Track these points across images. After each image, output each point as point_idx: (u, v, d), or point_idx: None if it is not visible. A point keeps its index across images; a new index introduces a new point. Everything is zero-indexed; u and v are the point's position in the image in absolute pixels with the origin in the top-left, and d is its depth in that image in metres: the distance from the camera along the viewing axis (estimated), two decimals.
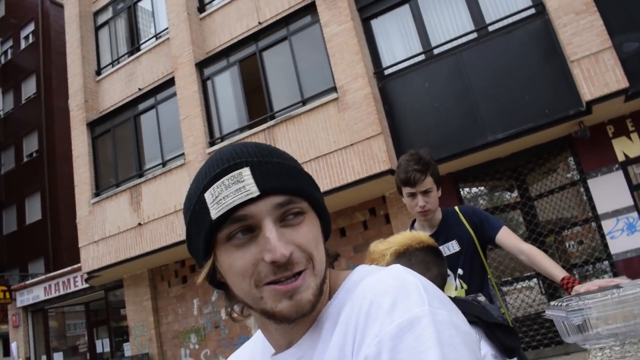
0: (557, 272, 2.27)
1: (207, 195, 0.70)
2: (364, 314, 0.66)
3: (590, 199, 7.87)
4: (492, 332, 1.57)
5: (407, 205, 2.60)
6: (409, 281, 0.67)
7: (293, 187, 0.71)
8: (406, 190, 2.54)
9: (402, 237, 1.80)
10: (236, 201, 0.68)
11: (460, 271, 2.56)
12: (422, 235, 1.82)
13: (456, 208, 2.69)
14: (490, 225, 2.57)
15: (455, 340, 0.61)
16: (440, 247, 2.54)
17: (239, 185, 0.69)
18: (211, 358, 11.32)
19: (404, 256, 1.73)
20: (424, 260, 1.76)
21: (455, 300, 1.76)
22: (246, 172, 0.70)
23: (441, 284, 1.78)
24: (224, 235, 0.70)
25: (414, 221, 2.77)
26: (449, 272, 2.49)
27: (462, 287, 2.55)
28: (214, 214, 0.69)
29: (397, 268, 0.72)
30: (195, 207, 0.72)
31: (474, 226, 2.59)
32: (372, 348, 0.62)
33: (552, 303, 1.79)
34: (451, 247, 2.60)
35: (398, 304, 0.64)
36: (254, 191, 0.68)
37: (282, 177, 0.71)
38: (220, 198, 0.69)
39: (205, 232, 0.71)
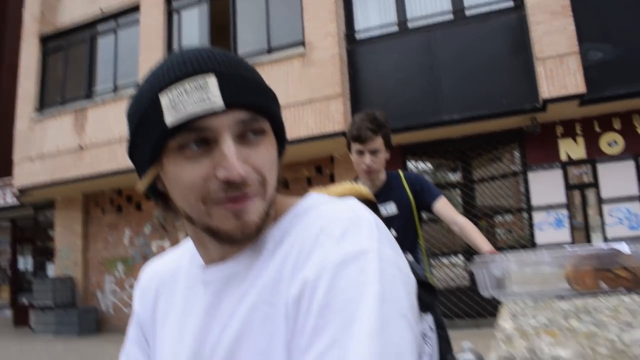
0: (485, 246, 2.38)
1: (163, 98, 0.64)
2: (312, 238, 0.65)
3: (527, 190, 8.24)
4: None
5: (354, 162, 2.59)
6: (364, 216, 0.67)
7: (258, 104, 0.67)
8: (355, 146, 2.53)
9: (342, 188, 1.79)
10: (197, 111, 0.63)
11: (393, 232, 2.57)
12: (362, 188, 1.84)
13: (400, 172, 2.73)
14: (430, 194, 2.63)
15: (396, 279, 0.61)
16: (382, 207, 2.61)
17: (203, 95, 0.63)
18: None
19: None
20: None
21: None
22: (212, 81, 0.64)
23: None
24: (175, 144, 0.65)
25: (356, 178, 2.78)
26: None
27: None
28: (170, 120, 0.63)
29: (355, 201, 0.72)
30: (146, 109, 0.66)
31: (414, 192, 2.64)
32: (313, 271, 0.62)
33: (476, 259, 1.86)
34: (389, 209, 2.64)
35: (349, 234, 0.64)
36: (219, 103, 0.63)
37: (249, 92, 0.67)
38: (179, 103, 0.63)
39: (155, 138, 0.65)
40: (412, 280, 0.66)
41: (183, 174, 0.66)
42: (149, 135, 0.66)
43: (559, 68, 7.40)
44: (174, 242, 10.74)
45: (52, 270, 12.64)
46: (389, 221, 2.59)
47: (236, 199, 0.66)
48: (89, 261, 11.97)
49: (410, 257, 2.26)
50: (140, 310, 0.89)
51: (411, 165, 9.10)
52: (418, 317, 0.73)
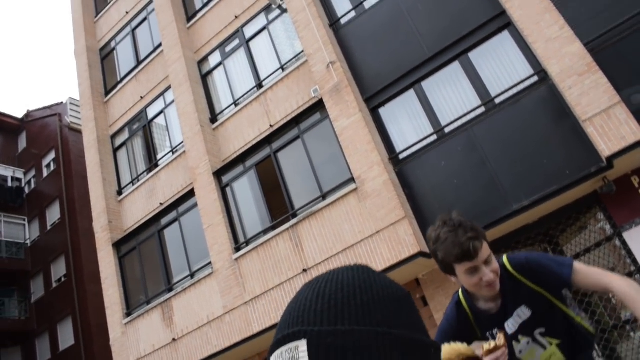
0: None
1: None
2: None
3: (629, 252, 7.66)
4: None
5: (466, 284, 2.09)
6: None
7: None
8: (465, 266, 2.02)
9: (443, 352, 1.74)
10: None
11: (540, 330, 2.23)
12: (461, 347, 1.76)
13: (506, 263, 2.17)
14: (555, 272, 2.12)
15: None
16: (513, 318, 2.22)
17: None
18: None
19: None
20: None
21: None
22: (302, 347, 0.61)
23: None
24: None
25: (463, 292, 2.29)
26: (525, 337, 2.23)
27: (550, 345, 2.24)
28: None
29: None
30: None
31: (538, 282, 2.15)
32: None
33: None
34: (522, 315, 2.19)
35: None
36: None
37: (348, 354, 0.59)
38: None
39: None
40: None
41: None
42: None
43: (608, 122, 7.22)
44: None
45: None
46: (529, 324, 2.20)
47: None
48: None
49: None
50: None
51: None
52: None
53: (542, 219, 8.31)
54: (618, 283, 2.01)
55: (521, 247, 8.70)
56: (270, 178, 10.33)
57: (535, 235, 8.46)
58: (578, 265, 2.11)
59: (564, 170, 7.61)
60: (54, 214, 24.47)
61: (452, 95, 8.96)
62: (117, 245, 12.96)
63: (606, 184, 7.62)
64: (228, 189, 11.10)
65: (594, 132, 7.28)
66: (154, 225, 12.47)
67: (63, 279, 23.15)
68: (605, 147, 7.17)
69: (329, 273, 0.70)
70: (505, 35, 8.71)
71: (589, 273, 2.09)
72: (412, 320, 0.67)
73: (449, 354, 1.76)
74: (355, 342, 0.60)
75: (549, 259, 2.20)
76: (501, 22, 8.70)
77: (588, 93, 7.41)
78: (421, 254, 8.03)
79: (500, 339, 2.09)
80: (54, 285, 23.57)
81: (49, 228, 24.49)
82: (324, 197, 9.48)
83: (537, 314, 2.18)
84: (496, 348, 2.11)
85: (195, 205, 11.47)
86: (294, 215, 9.76)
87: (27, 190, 26.63)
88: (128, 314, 12.20)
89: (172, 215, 12.20)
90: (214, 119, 12.03)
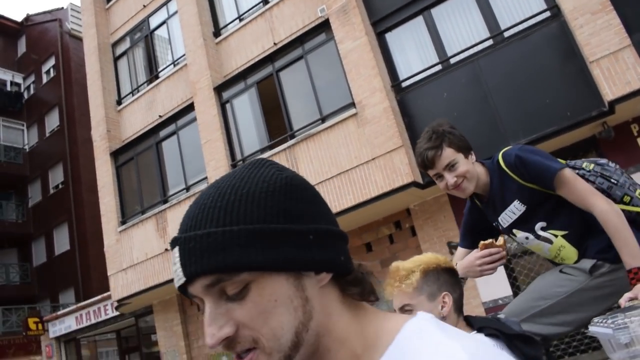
0: (628, 259, 1.92)
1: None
2: None
3: None
4: (513, 344, 1.57)
5: (441, 189, 2.27)
6: None
7: (219, 265, 0.63)
8: (430, 173, 2.23)
9: (428, 257, 1.85)
10: (177, 284, 0.67)
11: (541, 224, 2.24)
12: (439, 257, 1.86)
13: (500, 160, 2.24)
14: (544, 177, 2.13)
15: None
16: (504, 214, 2.30)
17: (175, 268, 0.66)
18: None
19: (433, 274, 1.78)
20: (450, 281, 1.82)
21: (473, 318, 1.79)
22: (176, 252, 0.66)
23: (460, 305, 1.80)
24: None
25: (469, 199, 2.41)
26: (523, 232, 2.28)
27: (556, 237, 2.22)
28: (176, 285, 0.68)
29: (470, 343, 0.63)
30: None
31: (529, 179, 2.17)
32: None
33: (595, 319, 1.74)
34: (516, 210, 2.25)
35: None
36: (181, 277, 0.65)
37: (205, 256, 0.63)
38: (173, 272, 0.68)
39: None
40: None
41: None
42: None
43: (615, 66, 7.10)
44: None
45: None
46: (524, 220, 2.25)
47: (241, 355, 0.66)
48: (194, 359, 12.18)
49: (502, 315, 2.06)
50: None
51: None
52: None
53: None
54: (602, 208, 2.01)
55: None
56: (270, 97, 10.25)
57: None
58: (569, 173, 2.10)
59: (565, 111, 7.55)
60: (52, 121, 24.42)
61: (460, 26, 8.75)
62: (115, 155, 13.03)
63: (605, 129, 7.59)
64: (228, 106, 11.04)
65: (599, 74, 7.18)
66: (152, 137, 12.48)
67: (60, 186, 23.43)
68: (609, 91, 7.09)
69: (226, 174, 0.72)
70: None
71: (576, 187, 2.09)
72: (291, 207, 0.67)
73: (436, 259, 1.87)
74: (210, 243, 0.63)
75: (540, 155, 2.18)
76: None
77: (599, 33, 7.24)
78: (414, 183, 8.11)
79: (500, 240, 2.21)
80: (52, 191, 23.87)
81: (47, 135, 24.52)
82: (323, 120, 9.45)
83: (532, 208, 2.21)
84: (492, 245, 2.22)
85: (194, 119, 11.43)
86: (292, 136, 9.76)
87: (26, 96, 26.44)
88: (123, 222, 12.44)
89: (171, 128, 12.19)
90: (217, 32, 11.77)
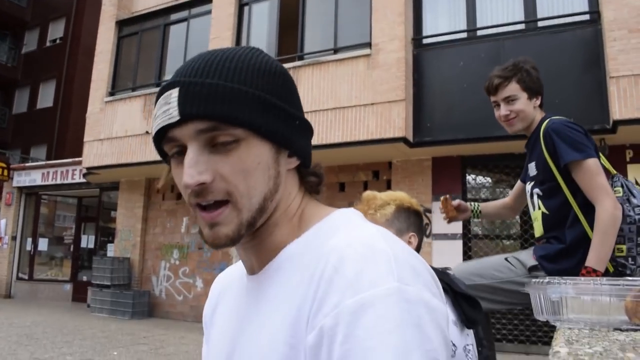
0: (593, 258, 1.97)
1: (153, 111, 0.72)
2: (326, 279, 0.61)
3: None
4: (458, 302, 1.63)
5: (496, 117, 2.36)
6: (380, 249, 0.62)
7: (220, 114, 0.66)
8: (490, 99, 2.35)
9: (403, 195, 1.86)
10: (161, 124, 0.68)
11: (537, 190, 2.32)
12: (405, 196, 1.88)
13: (544, 124, 2.26)
14: (559, 155, 2.15)
15: (423, 320, 0.57)
16: (527, 165, 2.40)
17: (166, 107, 0.68)
18: (189, 276, 11.59)
19: (405, 212, 1.80)
20: (418, 224, 1.83)
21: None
22: (174, 93, 0.67)
23: (418, 252, 1.81)
24: (168, 151, 0.72)
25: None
26: (529, 189, 2.36)
27: (539, 209, 2.30)
28: (152, 131, 0.71)
29: (371, 231, 0.67)
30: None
31: (550, 151, 2.20)
32: (329, 319, 0.58)
33: (533, 281, 1.82)
34: (532, 170, 2.34)
35: (363, 275, 0.59)
36: (175, 115, 0.66)
37: (209, 102, 0.66)
38: (155, 117, 0.70)
39: (155, 146, 0.74)
40: (441, 313, 0.61)
41: (175, 180, 0.73)
42: (154, 143, 0.74)
43: (632, 88, 7.04)
44: None
45: (111, 250, 13.16)
46: (533, 179, 2.34)
47: (207, 208, 0.69)
48: (146, 245, 12.39)
49: (452, 271, 2.11)
50: (205, 312, 0.95)
51: (470, 178, 8.94)
52: (451, 352, 0.72)
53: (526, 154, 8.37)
54: (605, 207, 2.02)
55: (497, 172, 8.87)
56: (291, 13, 9.98)
57: (514, 167, 8.57)
58: (593, 164, 2.09)
59: (570, 116, 7.44)
60: None
61: (499, 1, 8.55)
62: (121, 25, 12.71)
63: (602, 145, 7.60)
64: (246, 8, 10.74)
65: (614, 92, 7.12)
66: (162, 17, 12.16)
67: (58, 41, 22.89)
68: (618, 111, 7.04)
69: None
70: None
71: (592, 178, 2.08)
72: (285, 92, 0.73)
73: (410, 199, 1.90)
74: (218, 92, 0.66)
75: (571, 138, 2.15)
76: None
77: (629, 52, 7.14)
78: (404, 139, 8.12)
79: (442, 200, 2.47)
80: (48, 44, 23.33)
81: None
82: (335, 51, 9.30)
83: (539, 176, 2.29)
84: (443, 201, 2.40)
85: (209, 12, 11.11)
86: (301, 58, 9.59)
87: None
88: (111, 94, 12.29)
89: (184, 14, 11.86)
90: None
